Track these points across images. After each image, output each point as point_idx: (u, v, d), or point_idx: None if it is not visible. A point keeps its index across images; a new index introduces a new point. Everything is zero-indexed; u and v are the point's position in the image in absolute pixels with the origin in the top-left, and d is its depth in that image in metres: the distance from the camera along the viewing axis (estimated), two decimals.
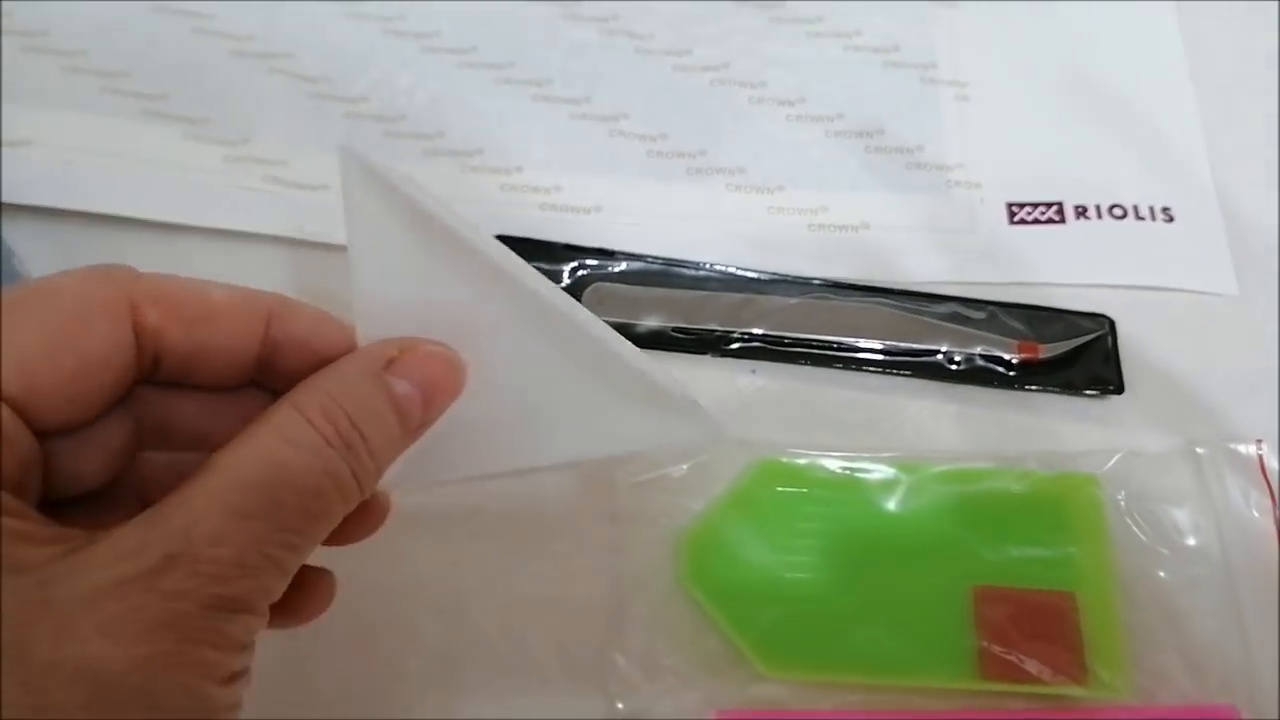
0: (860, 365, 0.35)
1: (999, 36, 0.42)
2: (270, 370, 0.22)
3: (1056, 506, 0.33)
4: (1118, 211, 0.38)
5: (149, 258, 0.36)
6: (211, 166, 0.37)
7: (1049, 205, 0.38)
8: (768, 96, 0.40)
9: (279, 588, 0.20)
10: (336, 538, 0.23)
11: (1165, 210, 0.38)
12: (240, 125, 0.38)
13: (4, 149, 0.37)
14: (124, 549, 0.18)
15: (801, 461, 0.33)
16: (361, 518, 0.24)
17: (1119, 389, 0.35)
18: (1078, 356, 0.35)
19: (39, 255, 0.36)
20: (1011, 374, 0.35)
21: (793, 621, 0.31)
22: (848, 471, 0.33)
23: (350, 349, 0.23)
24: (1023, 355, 0.35)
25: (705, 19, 0.42)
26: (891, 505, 0.33)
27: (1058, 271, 0.37)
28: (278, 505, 0.19)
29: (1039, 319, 0.36)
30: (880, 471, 0.34)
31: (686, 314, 0.36)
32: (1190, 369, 0.36)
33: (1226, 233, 0.38)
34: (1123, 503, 0.33)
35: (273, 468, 0.20)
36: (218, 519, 0.19)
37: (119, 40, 0.39)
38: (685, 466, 0.34)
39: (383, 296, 0.23)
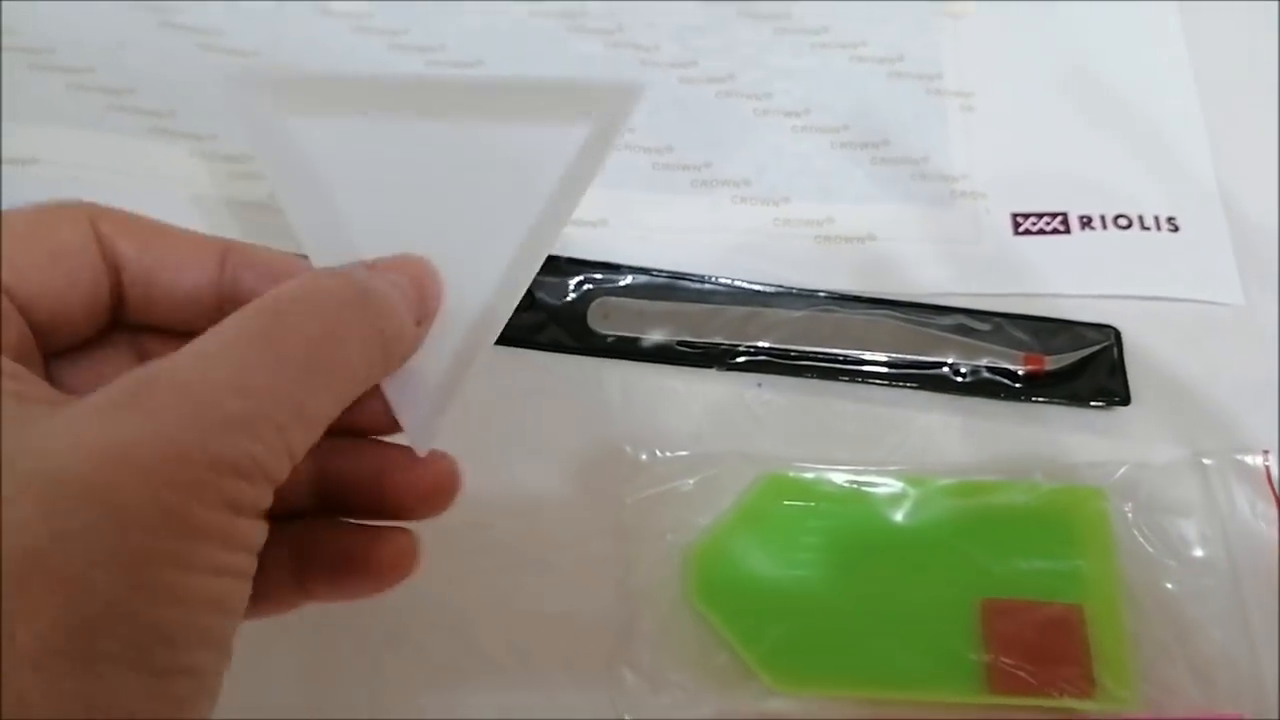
0: (866, 378, 0.35)
1: (1004, 47, 0.42)
2: (232, 296, 0.22)
3: (1063, 519, 0.33)
4: (1123, 222, 0.38)
5: None
6: (218, 183, 0.38)
7: (1054, 215, 0.38)
8: (773, 108, 0.40)
9: (298, 433, 0.19)
10: (409, 510, 0.23)
11: (1170, 220, 0.38)
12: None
13: (10, 167, 0.37)
14: (113, 387, 0.18)
15: (808, 476, 0.34)
16: (432, 486, 0.23)
17: (1125, 400, 0.35)
18: (1084, 368, 0.35)
19: None
20: (1017, 386, 0.35)
21: (800, 636, 0.32)
22: (854, 485, 0.34)
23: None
24: (1029, 367, 0.35)
25: (710, 31, 0.42)
26: (898, 519, 0.33)
27: (1063, 282, 0.37)
28: (284, 336, 0.19)
29: (1045, 330, 0.36)
30: (887, 485, 0.34)
31: (692, 327, 0.36)
32: (1196, 380, 0.36)
33: (1232, 242, 0.38)
34: (1130, 514, 0.33)
35: (280, 301, 0.19)
36: (214, 346, 0.18)
37: (125, 57, 0.39)
38: (692, 481, 0.34)
39: (319, 214, 0.23)
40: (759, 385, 0.36)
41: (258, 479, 0.18)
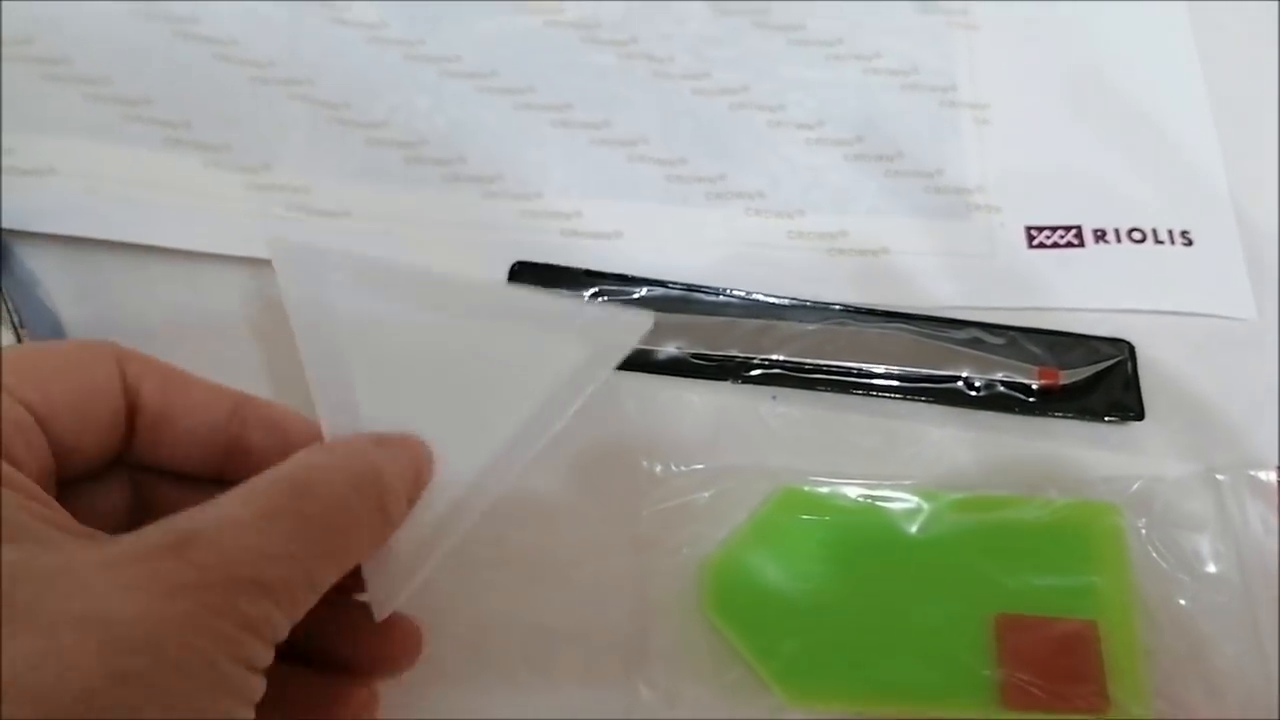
0: (880, 391, 0.35)
1: (1019, 59, 0.42)
2: (242, 458, 0.24)
3: (1078, 534, 0.33)
4: (1137, 235, 0.38)
5: (172, 285, 0.37)
6: (233, 195, 0.38)
7: (1068, 229, 0.38)
8: (787, 120, 0.40)
9: (304, 598, 0.20)
10: (370, 668, 0.25)
11: (1184, 234, 0.38)
12: (261, 152, 0.39)
13: (27, 178, 0.37)
14: (149, 532, 0.19)
15: (823, 490, 0.34)
16: (397, 649, 0.25)
17: (1139, 415, 0.35)
18: (1098, 382, 0.36)
19: (63, 285, 0.36)
20: (1031, 400, 0.35)
21: (815, 651, 0.32)
22: (869, 499, 0.34)
23: (308, 433, 0.25)
24: (1043, 381, 0.35)
25: (724, 42, 0.42)
26: (913, 533, 0.33)
27: (1077, 296, 0.37)
28: (305, 510, 0.20)
29: (1059, 345, 0.36)
30: (901, 499, 0.34)
31: (707, 340, 0.36)
32: (1210, 394, 0.36)
33: (1245, 256, 0.38)
34: (1143, 530, 0.33)
35: (302, 473, 0.21)
36: (244, 512, 0.20)
37: (141, 67, 0.39)
38: (707, 494, 0.34)
39: (337, 382, 0.25)
40: (774, 398, 0.36)
41: (268, 639, 0.20)
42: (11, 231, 0.36)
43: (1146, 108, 0.41)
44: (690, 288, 0.37)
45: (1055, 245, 0.38)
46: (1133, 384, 0.36)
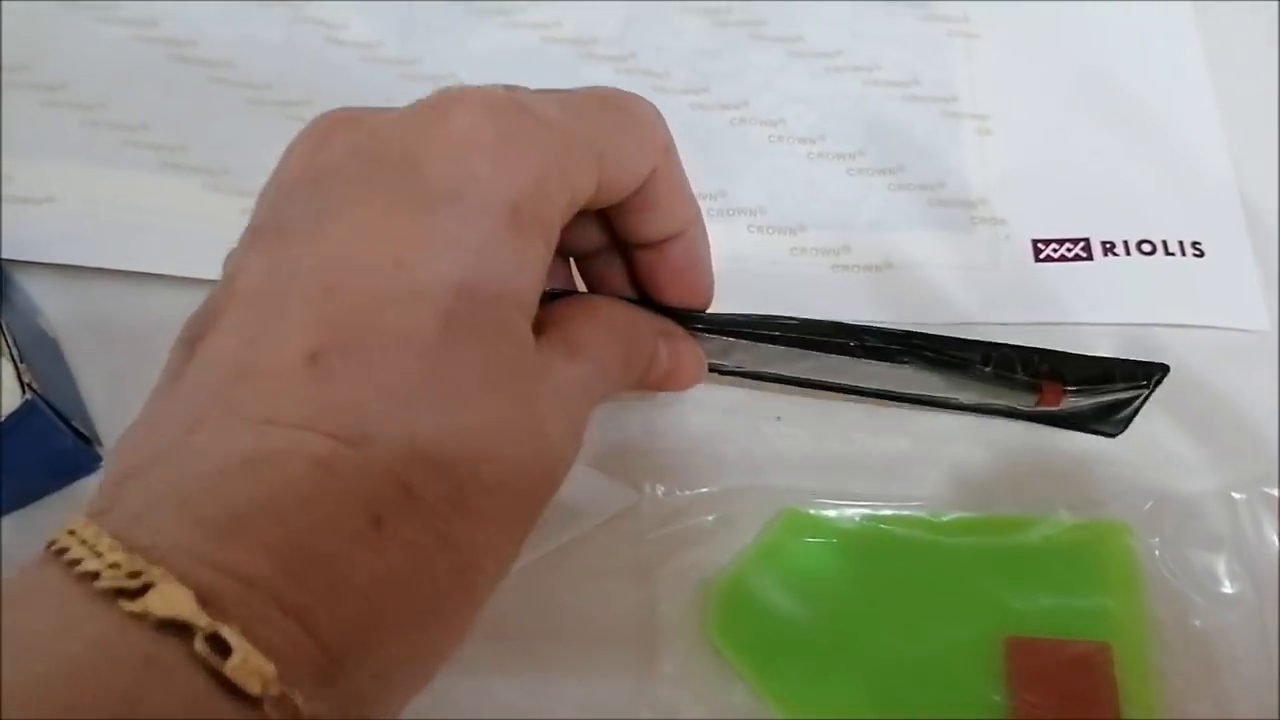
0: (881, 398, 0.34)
1: (1021, 67, 0.41)
2: (655, 250, 0.28)
3: (1089, 555, 0.32)
4: (1146, 247, 0.37)
5: (175, 312, 0.36)
6: (232, 218, 0.37)
7: (1075, 241, 0.38)
8: (787, 134, 0.40)
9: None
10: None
11: (1195, 245, 0.38)
12: (259, 175, 0.38)
13: (24, 206, 0.37)
14: (570, 361, 0.24)
15: (829, 512, 0.33)
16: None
17: (1121, 430, 0.34)
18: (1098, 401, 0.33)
19: (63, 312, 0.36)
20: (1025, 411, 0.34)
21: (820, 675, 0.31)
22: (875, 521, 0.33)
23: (705, 285, 0.30)
24: (1042, 407, 0.33)
25: (722, 55, 0.42)
26: (920, 555, 0.33)
27: (1085, 310, 0.37)
28: (604, 378, 0.25)
29: (1083, 366, 0.33)
30: (908, 520, 0.33)
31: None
32: (1223, 409, 0.35)
33: (1258, 267, 0.37)
34: (1157, 550, 0.32)
35: (607, 348, 0.25)
36: (593, 364, 0.25)
37: (138, 92, 0.39)
38: (711, 517, 0.33)
39: None
40: (778, 419, 0.35)
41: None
42: (11, 260, 0.36)
43: (1153, 115, 0.40)
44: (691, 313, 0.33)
45: (1063, 258, 0.38)
46: (1139, 406, 0.33)
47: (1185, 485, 0.34)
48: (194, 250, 0.37)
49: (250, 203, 0.38)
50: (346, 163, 0.22)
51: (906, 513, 0.33)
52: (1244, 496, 0.33)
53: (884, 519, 0.33)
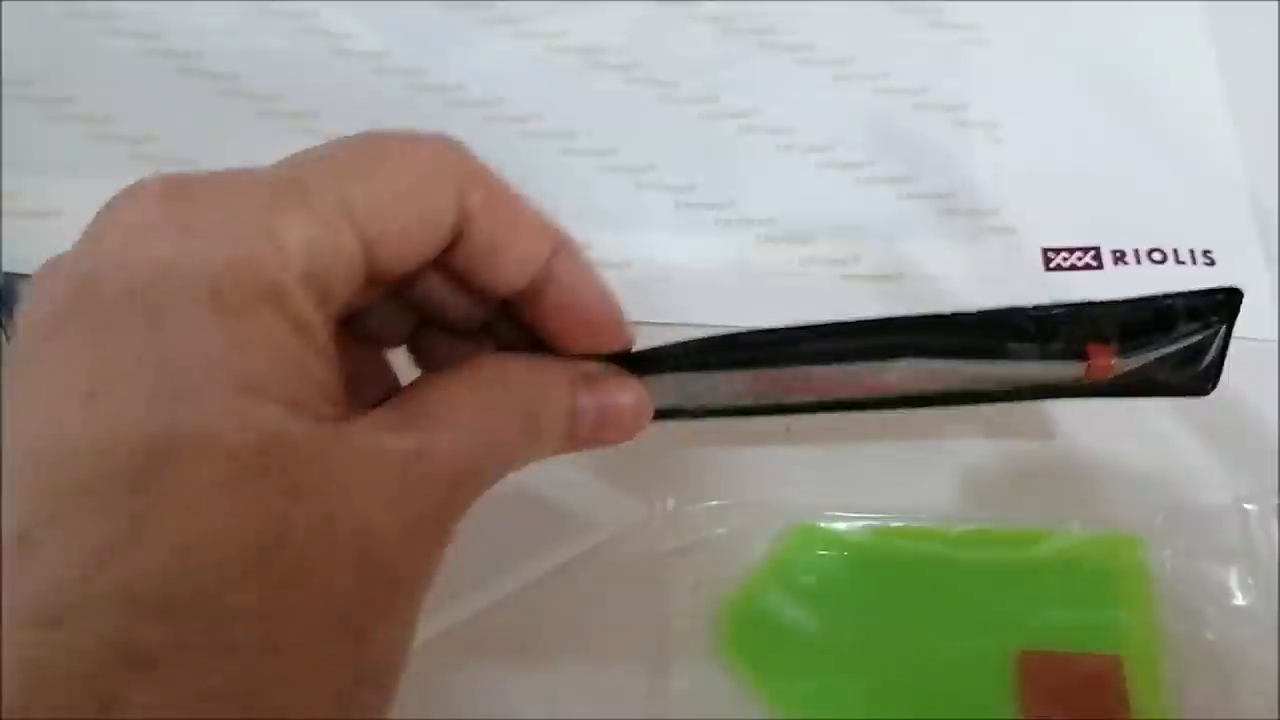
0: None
1: (1031, 75, 0.41)
2: (532, 296, 0.23)
3: (1101, 568, 0.32)
4: (1157, 256, 0.37)
5: None
6: None
7: (1086, 250, 0.38)
8: (797, 143, 0.40)
9: (483, 490, 0.21)
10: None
11: (1206, 254, 0.37)
12: None
13: (32, 220, 0.37)
14: (395, 432, 0.19)
15: (840, 526, 0.33)
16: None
17: (1210, 386, 0.27)
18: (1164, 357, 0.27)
19: None
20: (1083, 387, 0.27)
21: (833, 690, 0.31)
22: (886, 534, 0.33)
23: (605, 314, 0.24)
24: (1090, 376, 0.26)
25: (731, 64, 0.41)
26: (932, 569, 0.33)
27: None
28: (488, 445, 0.21)
29: (1131, 316, 0.26)
30: (919, 533, 0.33)
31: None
32: (1236, 420, 0.35)
33: (1270, 276, 0.37)
34: (1169, 563, 0.32)
35: (489, 410, 0.21)
36: (457, 435, 0.20)
37: (144, 104, 0.39)
38: (722, 531, 0.33)
39: None
40: (788, 430, 0.35)
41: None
42: (19, 275, 0.36)
43: (1165, 123, 0.40)
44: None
45: (1073, 267, 0.37)
46: (1223, 347, 0.27)
47: (1198, 497, 0.34)
48: None
49: None
50: (44, 299, 0.19)
51: (918, 525, 0.33)
52: (1257, 508, 0.33)
53: (895, 532, 0.33)
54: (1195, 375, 0.26)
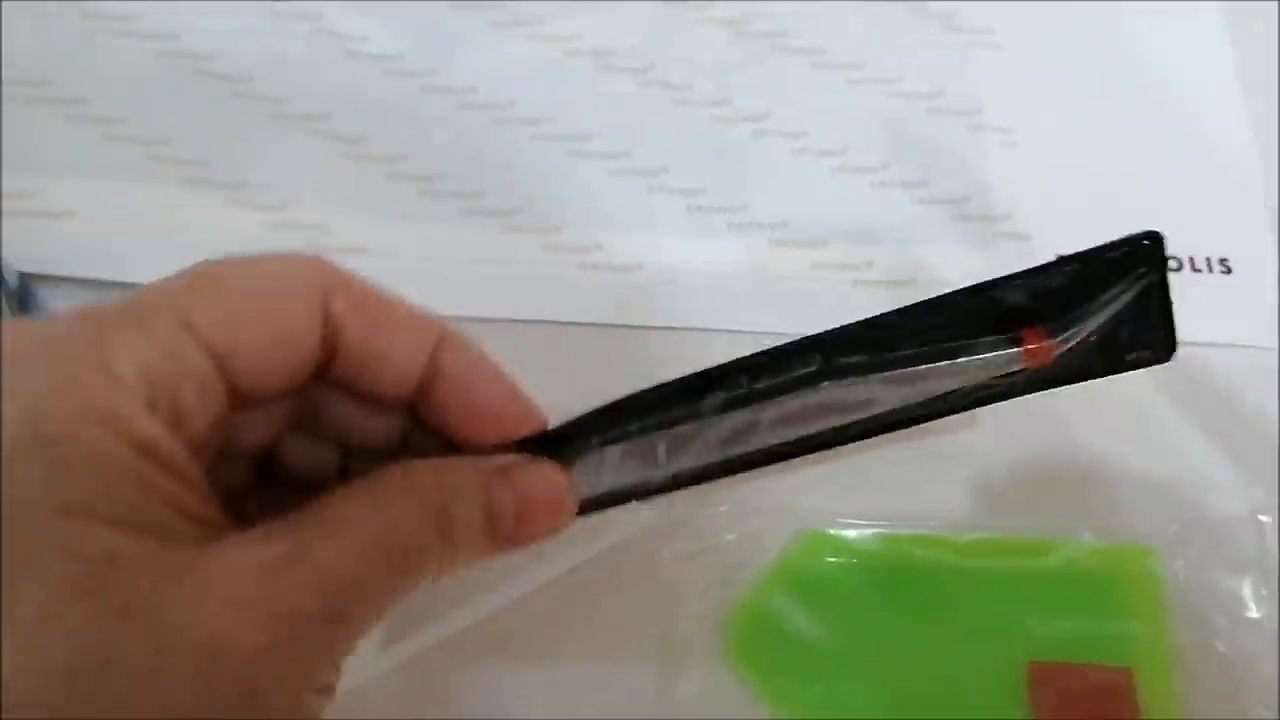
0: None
1: (1046, 79, 0.41)
2: (427, 396, 0.22)
3: (1112, 578, 0.32)
4: (1173, 264, 0.37)
5: None
6: (252, 234, 0.37)
7: None
8: (810, 147, 0.40)
9: (367, 629, 0.20)
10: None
11: (1223, 261, 0.37)
12: (279, 190, 0.38)
13: (48, 220, 0.37)
14: (261, 541, 0.19)
15: (849, 533, 0.33)
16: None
17: (1169, 349, 0.24)
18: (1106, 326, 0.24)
19: None
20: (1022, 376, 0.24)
21: (842, 698, 0.31)
22: (896, 541, 0.33)
23: (503, 398, 0.23)
24: (1028, 363, 0.23)
25: (744, 67, 0.41)
26: (942, 577, 0.32)
27: None
28: (384, 548, 0.20)
29: (1046, 287, 0.23)
30: (929, 540, 0.33)
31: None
32: (1250, 430, 0.35)
33: None
34: (1181, 574, 0.32)
35: (385, 513, 0.20)
36: (342, 539, 0.19)
37: (159, 106, 0.39)
38: (732, 537, 0.33)
39: None
40: None
41: (340, 665, 0.20)
42: (33, 274, 0.36)
43: (1182, 129, 0.40)
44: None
45: None
46: (1162, 301, 0.24)
47: (1211, 507, 0.33)
48: None
49: (271, 217, 0.38)
50: None
51: (928, 533, 0.33)
52: (1270, 519, 0.33)
53: (905, 539, 0.33)
54: (1148, 341, 0.24)
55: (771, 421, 0.24)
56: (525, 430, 0.23)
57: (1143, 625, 0.31)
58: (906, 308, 0.23)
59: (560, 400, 0.36)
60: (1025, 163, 0.39)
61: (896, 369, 0.24)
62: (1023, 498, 0.34)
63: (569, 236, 0.38)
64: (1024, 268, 0.23)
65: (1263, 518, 0.33)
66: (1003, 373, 0.23)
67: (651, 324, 0.37)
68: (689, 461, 0.24)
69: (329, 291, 0.21)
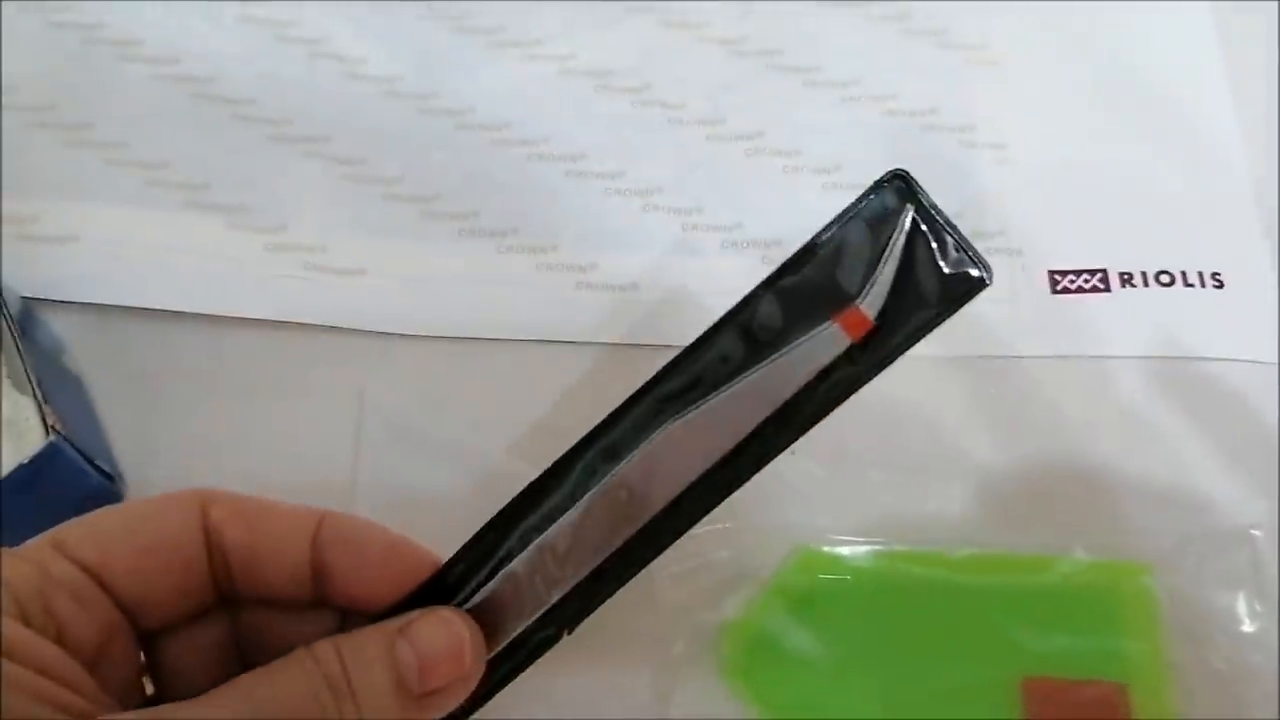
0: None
1: (1038, 95, 0.41)
2: (326, 576, 0.24)
3: (1107, 594, 0.32)
4: (1165, 278, 0.37)
5: (195, 350, 0.37)
6: (252, 256, 0.38)
7: (1093, 273, 0.38)
8: (803, 165, 0.40)
9: None
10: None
11: (1215, 276, 0.37)
12: (279, 212, 0.39)
13: (51, 245, 0.38)
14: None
15: (844, 550, 0.33)
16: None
17: (987, 274, 0.24)
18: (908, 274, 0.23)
19: (87, 350, 0.37)
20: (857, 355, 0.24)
21: (838, 716, 0.31)
22: (890, 558, 0.33)
23: (407, 563, 0.24)
24: (853, 334, 0.23)
25: (738, 86, 0.42)
26: (937, 593, 0.33)
27: (1103, 344, 0.36)
28: (289, 688, 0.21)
29: (821, 269, 0.24)
30: (924, 557, 0.33)
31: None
32: (1242, 444, 0.35)
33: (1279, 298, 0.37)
34: (1176, 589, 0.32)
35: (268, 692, 0.21)
36: (239, 688, 0.21)
37: (161, 129, 0.40)
38: (726, 554, 0.33)
39: None
40: (792, 452, 0.35)
41: None
42: (35, 299, 0.37)
43: (1174, 145, 0.40)
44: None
45: (1080, 290, 0.37)
46: (943, 228, 0.23)
47: (1205, 523, 0.34)
48: (216, 287, 0.37)
49: (272, 239, 0.39)
50: None
51: (923, 550, 0.33)
52: (1264, 534, 0.33)
53: (899, 556, 0.33)
54: (954, 275, 0.23)
55: (643, 477, 0.23)
56: (419, 575, 0.24)
57: (1138, 641, 0.32)
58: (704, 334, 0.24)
59: (556, 419, 0.37)
60: (1018, 179, 0.39)
61: (729, 385, 0.24)
62: (1018, 514, 0.34)
63: (565, 255, 0.38)
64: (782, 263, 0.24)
65: (1255, 533, 0.33)
66: (836, 355, 0.23)
67: (647, 342, 0.37)
68: (588, 553, 0.24)
69: (206, 503, 0.23)
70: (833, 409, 0.24)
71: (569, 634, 0.24)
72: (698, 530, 0.33)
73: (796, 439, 0.24)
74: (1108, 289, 0.37)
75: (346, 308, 0.37)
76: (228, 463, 0.35)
